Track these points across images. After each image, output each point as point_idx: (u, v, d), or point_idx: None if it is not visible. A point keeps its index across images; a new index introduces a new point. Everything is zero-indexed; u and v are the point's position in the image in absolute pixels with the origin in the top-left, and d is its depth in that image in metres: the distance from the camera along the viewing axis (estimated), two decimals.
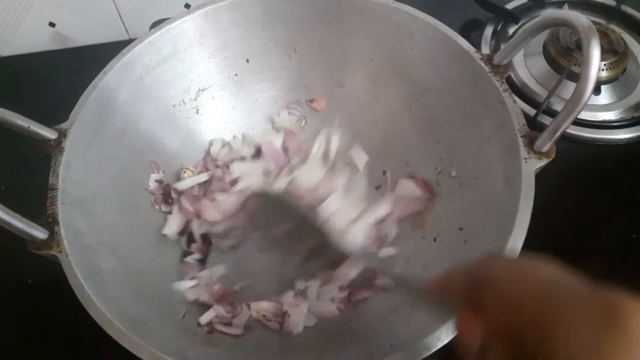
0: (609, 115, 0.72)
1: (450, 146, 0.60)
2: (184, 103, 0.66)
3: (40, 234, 0.46)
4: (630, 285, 0.19)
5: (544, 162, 0.48)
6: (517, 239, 0.43)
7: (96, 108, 0.55)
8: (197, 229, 0.61)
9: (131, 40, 0.60)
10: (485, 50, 0.79)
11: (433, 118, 0.62)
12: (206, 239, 0.61)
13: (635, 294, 0.18)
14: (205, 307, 0.55)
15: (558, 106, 0.71)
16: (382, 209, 0.60)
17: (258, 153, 0.68)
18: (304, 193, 0.61)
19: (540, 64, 0.77)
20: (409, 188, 0.61)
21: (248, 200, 0.62)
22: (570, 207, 0.65)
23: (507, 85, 0.53)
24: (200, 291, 0.56)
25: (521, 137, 0.49)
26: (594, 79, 0.44)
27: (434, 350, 0.39)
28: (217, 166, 0.67)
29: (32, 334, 0.59)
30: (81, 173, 0.52)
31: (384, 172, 0.65)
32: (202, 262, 0.60)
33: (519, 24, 0.83)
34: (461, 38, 0.58)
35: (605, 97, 0.74)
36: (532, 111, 0.70)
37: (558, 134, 0.47)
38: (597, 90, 0.74)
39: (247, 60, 0.69)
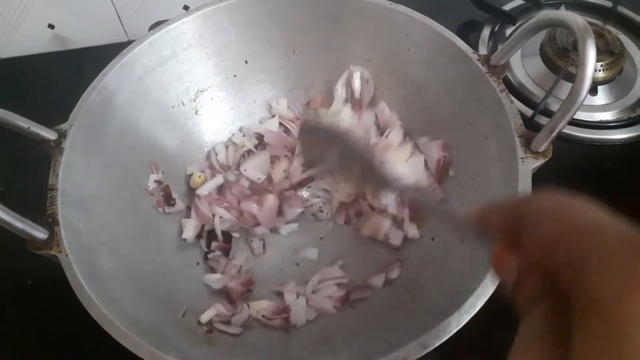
0: (606, 116, 0.73)
1: (449, 145, 0.61)
2: (183, 104, 0.66)
3: (40, 234, 0.46)
4: None
5: (540, 161, 0.48)
6: None
7: (96, 109, 0.56)
8: (218, 227, 0.62)
9: (130, 42, 0.60)
10: (483, 51, 0.80)
11: (431, 118, 0.63)
12: (227, 235, 0.63)
13: None
14: (208, 304, 0.55)
15: (555, 107, 0.71)
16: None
17: (261, 142, 0.69)
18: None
19: (537, 65, 0.77)
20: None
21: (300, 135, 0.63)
22: None
23: (504, 86, 0.53)
24: (227, 280, 0.58)
25: (518, 137, 0.50)
26: (590, 79, 0.44)
27: (432, 348, 0.40)
28: (229, 167, 0.67)
29: (32, 334, 0.60)
30: (81, 173, 0.53)
31: None
32: (226, 255, 0.62)
33: (516, 25, 0.84)
34: (458, 39, 0.58)
35: (602, 97, 0.74)
36: (529, 112, 0.71)
37: (554, 133, 0.47)
38: (593, 91, 0.74)
39: (246, 62, 0.69)
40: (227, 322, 0.54)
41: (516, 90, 0.75)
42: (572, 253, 0.19)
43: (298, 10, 0.66)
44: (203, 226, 0.62)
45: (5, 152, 0.71)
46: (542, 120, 0.70)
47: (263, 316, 0.55)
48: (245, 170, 0.66)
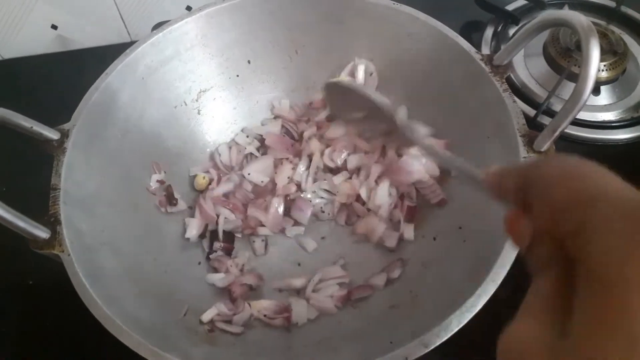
0: (609, 116, 0.72)
1: (450, 145, 0.60)
2: (186, 104, 0.67)
3: (42, 233, 0.46)
4: None
5: None
6: None
7: (98, 109, 0.56)
8: (221, 227, 0.62)
9: (133, 43, 0.60)
10: (486, 51, 0.79)
11: (433, 117, 0.62)
12: (229, 235, 0.63)
13: None
14: (209, 303, 0.55)
15: (558, 107, 0.71)
16: None
17: (263, 144, 0.69)
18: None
19: (540, 65, 0.77)
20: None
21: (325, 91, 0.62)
22: None
23: (507, 85, 0.53)
24: (231, 278, 0.58)
25: (521, 136, 0.49)
26: (594, 79, 0.44)
27: (433, 347, 0.40)
28: (232, 168, 0.68)
29: (32, 334, 0.60)
30: (83, 173, 0.53)
31: None
32: (229, 254, 0.62)
33: (519, 25, 0.83)
34: (461, 39, 0.58)
35: (605, 97, 0.74)
36: (532, 112, 0.71)
37: (557, 133, 0.47)
38: (596, 91, 0.74)
39: (249, 62, 0.69)
40: (229, 322, 0.54)
41: (519, 91, 0.75)
42: (578, 220, 0.19)
43: (300, 11, 0.66)
44: (206, 226, 0.62)
45: (7, 152, 0.71)
46: (545, 120, 0.70)
47: (264, 315, 0.55)
48: (249, 174, 0.66)
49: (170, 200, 0.61)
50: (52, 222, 0.47)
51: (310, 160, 0.66)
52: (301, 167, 0.65)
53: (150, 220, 0.59)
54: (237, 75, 0.69)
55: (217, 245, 0.61)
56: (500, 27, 0.82)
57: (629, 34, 0.81)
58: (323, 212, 0.64)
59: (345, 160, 0.65)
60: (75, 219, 0.49)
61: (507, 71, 0.55)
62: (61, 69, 0.85)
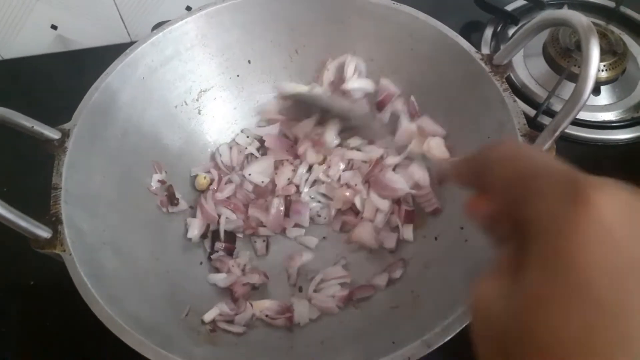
0: (609, 116, 0.72)
1: (451, 145, 0.61)
2: (186, 104, 0.67)
3: (43, 232, 0.46)
4: None
5: None
6: None
7: (99, 109, 0.56)
8: (223, 227, 0.62)
9: (133, 43, 0.60)
10: (485, 51, 0.80)
11: (434, 117, 0.63)
12: (231, 235, 0.63)
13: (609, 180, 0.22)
14: (211, 303, 0.55)
15: (558, 107, 0.71)
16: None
17: (263, 145, 0.69)
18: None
19: (540, 65, 0.77)
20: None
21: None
22: None
23: (507, 85, 0.53)
24: (233, 278, 0.58)
25: (521, 136, 0.50)
26: (594, 78, 0.44)
27: (435, 347, 0.40)
28: (233, 168, 0.67)
29: (34, 334, 0.60)
30: (84, 173, 0.53)
31: None
32: (231, 254, 0.62)
33: (519, 26, 0.84)
34: (461, 38, 0.58)
35: (605, 97, 0.74)
36: (532, 112, 0.71)
37: (557, 132, 0.47)
38: (596, 91, 0.74)
39: (249, 61, 0.69)
40: (231, 322, 0.54)
41: (519, 91, 0.75)
42: (525, 191, 0.23)
43: (301, 10, 0.66)
44: (208, 226, 0.62)
45: (8, 151, 0.71)
46: (545, 120, 0.70)
47: (266, 315, 0.55)
48: (249, 174, 0.66)
49: (172, 200, 0.61)
50: (53, 222, 0.47)
51: (311, 167, 0.66)
52: (301, 170, 0.65)
53: (151, 220, 0.59)
54: (238, 75, 0.70)
55: (218, 245, 0.61)
56: (499, 27, 0.83)
57: (628, 34, 0.81)
58: (319, 216, 0.64)
59: (339, 177, 0.64)
60: (77, 219, 0.49)
61: (507, 71, 0.55)
62: (62, 68, 0.85)
